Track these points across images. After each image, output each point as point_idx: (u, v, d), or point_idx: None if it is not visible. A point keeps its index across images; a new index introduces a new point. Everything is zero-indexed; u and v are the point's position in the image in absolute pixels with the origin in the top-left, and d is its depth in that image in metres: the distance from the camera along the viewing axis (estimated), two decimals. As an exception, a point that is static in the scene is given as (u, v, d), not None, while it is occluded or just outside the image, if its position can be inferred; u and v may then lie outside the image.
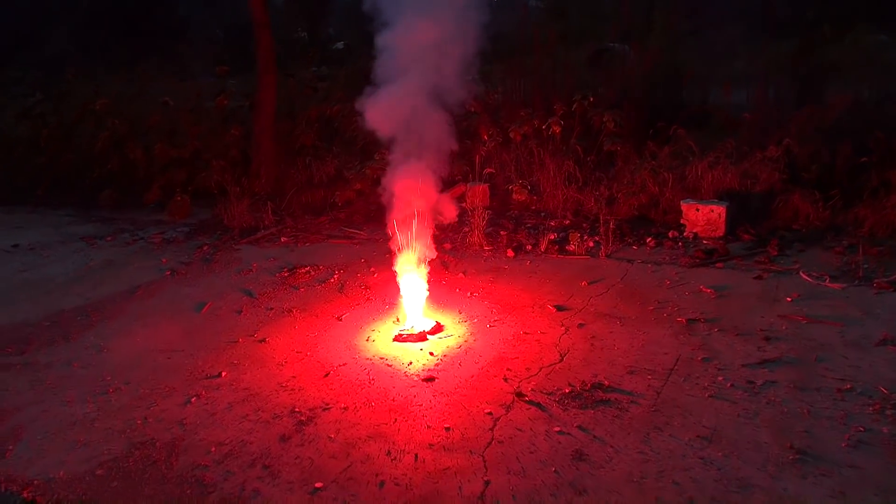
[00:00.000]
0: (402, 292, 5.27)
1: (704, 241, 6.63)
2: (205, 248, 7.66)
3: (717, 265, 5.99)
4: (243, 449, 3.73)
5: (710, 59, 10.80)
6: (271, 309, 5.76)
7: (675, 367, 4.27)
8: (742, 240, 6.57)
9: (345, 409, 4.07)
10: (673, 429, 3.63)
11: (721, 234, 6.65)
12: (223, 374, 4.62)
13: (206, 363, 4.81)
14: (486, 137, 7.62)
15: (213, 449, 3.75)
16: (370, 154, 8.79)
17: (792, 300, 5.13)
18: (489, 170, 7.66)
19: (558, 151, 8.03)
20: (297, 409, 4.09)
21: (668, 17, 11.50)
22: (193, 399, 4.30)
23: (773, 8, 10.58)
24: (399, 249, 5.25)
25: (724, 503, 3.06)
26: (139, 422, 4.08)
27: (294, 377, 4.51)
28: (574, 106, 8.09)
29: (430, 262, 5.31)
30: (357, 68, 13.25)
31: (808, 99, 8.14)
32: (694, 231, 6.77)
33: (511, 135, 7.89)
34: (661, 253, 6.48)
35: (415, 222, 5.22)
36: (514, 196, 7.73)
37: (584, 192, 7.86)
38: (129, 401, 4.34)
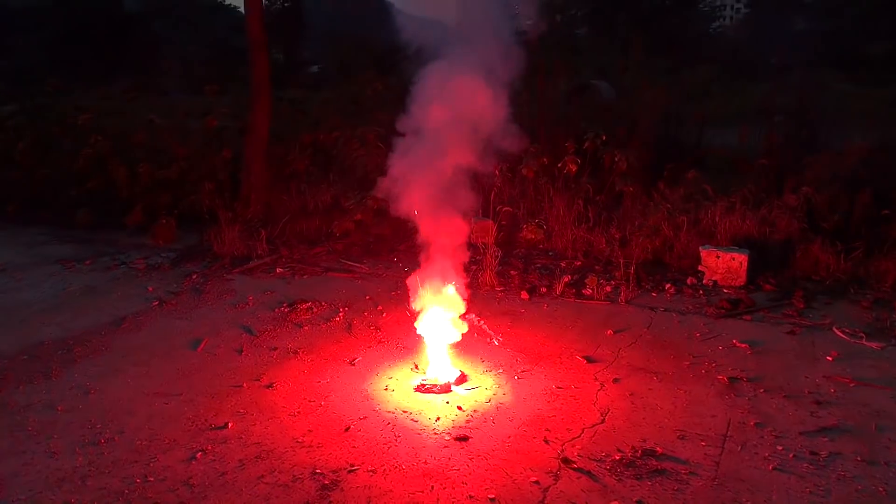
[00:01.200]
0: (424, 340, 4.89)
1: (725, 290, 6.40)
2: (194, 276, 7.19)
3: (745, 317, 5.75)
4: (263, 519, 3.30)
5: (687, 99, 10.79)
6: (275, 349, 5.31)
7: (729, 433, 3.96)
8: (763, 290, 6.36)
9: (372, 471, 3.66)
10: (743, 507, 3.31)
11: (742, 283, 6.44)
12: (230, 424, 4.16)
13: (208, 411, 4.35)
14: (497, 173, 7.34)
15: (228, 518, 3.31)
16: (370, 184, 8.42)
17: (833, 359, 4.89)
18: (507, 208, 7.36)
19: (568, 190, 7.79)
20: (318, 471, 3.66)
21: (644, 55, 11.50)
22: (199, 454, 3.84)
23: (745, 52, 10.65)
24: (419, 292, 4.88)
25: None
26: (138, 480, 3.61)
27: (310, 431, 4.08)
28: (586, 144, 7.88)
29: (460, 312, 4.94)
30: (346, 92, 13.01)
31: (817, 145, 8.07)
32: (713, 279, 6.54)
33: (524, 171, 7.62)
34: (683, 301, 6.23)
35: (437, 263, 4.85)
36: (526, 235, 7.44)
37: (593, 233, 7.60)
38: (125, 454, 3.86)
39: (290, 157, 9.60)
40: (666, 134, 9.42)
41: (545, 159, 7.86)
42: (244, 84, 10.38)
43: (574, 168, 7.57)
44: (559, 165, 7.61)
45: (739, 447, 3.81)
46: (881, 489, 3.42)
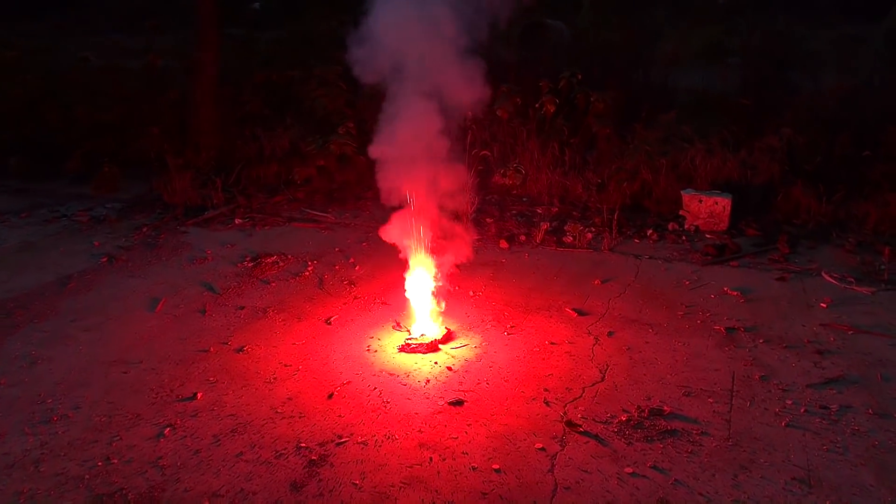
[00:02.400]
0: (407, 296, 4.55)
1: (707, 235, 6.22)
2: (144, 229, 6.63)
3: (732, 263, 5.58)
4: (246, 502, 2.97)
5: (641, 41, 10.46)
6: (242, 308, 4.90)
7: (735, 388, 3.78)
8: (746, 234, 6.20)
9: (363, 443, 3.35)
10: (761, 468, 3.13)
11: (724, 228, 6.27)
12: (199, 395, 3.78)
13: (173, 380, 3.95)
14: (469, 115, 6.90)
15: (207, 503, 2.96)
16: (331, 127, 7.90)
17: (827, 306, 4.77)
18: (484, 152, 6.95)
19: (542, 132, 7.43)
20: (303, 444, 3.34)
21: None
22: (167, 430, 3.46)
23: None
24: (404, 246, 4.51)
25: (860, 570, 2.58)
26: (100, 463, 3.22)
27: (290, 399, 3.74)
28: (561, 84, 7.48)
29: (438, 260, 4.60)
30: (296, 31, 12.21)
31: (791, 86, 7.88)
32: (695, 224, 6.35)
33: (498, 113, 7.20)
34: (666, 247, 6.02)
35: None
36: (503, 180, 7.09)
37: (569, 177, 7.30)
38: (83, 433, 3.45)
39: (242, 98, 8.92)
40: (636, 75, 9.09)
41: (518, 99, 7.45)
42: (188, 19, 9.55)
43: (552, 109, 7.19)
44: (536, 106, 7.23)
45: (748, 403, 3.64)
46: (898, 443, 3.29)
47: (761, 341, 4.30)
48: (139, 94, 9.15)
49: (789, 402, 3.64)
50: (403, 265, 5.46)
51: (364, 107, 8.36)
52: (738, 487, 3.01)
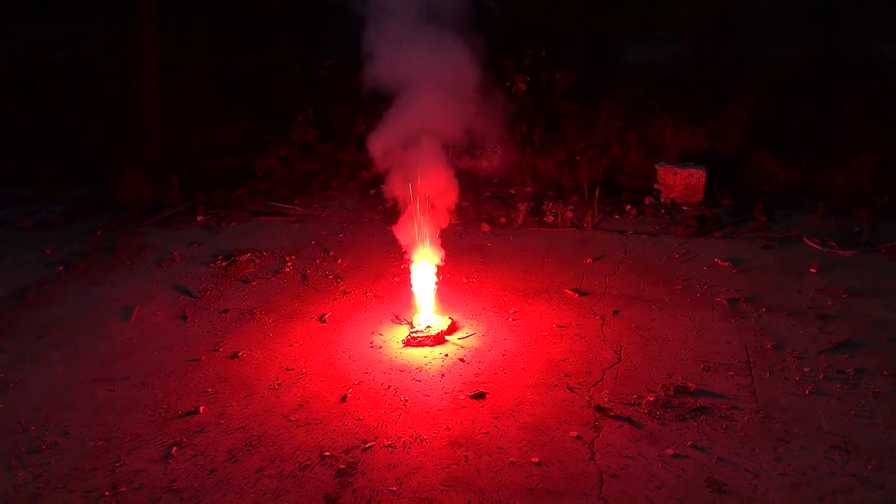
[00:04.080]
0: (412, 288, 4.36)
1: (684, 208, 6.25)
2: (99, 232, 6.18)
3: (715, 235, 5.62)
4: (280, 522, 2.76)
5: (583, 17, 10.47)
6: (226, 311, 4.61)
7: (751, 360, 3.77)
8: (721, 205, 6.25)
9: (391, 446, 3.18)
10: (798, 438, 3.13)
11: (700, 200, 6.30)
12: (201, 408, 3.52)
13: (168, 394, 3.67)
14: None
15: (237, 526, 2.74)
16: (289, 115, 7.56)
17: (817, 271, 4.84)
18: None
19: (509, 111, 7.29)
20: (327, 453, 3.14)
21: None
22: (174, 450, 3.20)
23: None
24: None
25: (919, 534, 2.59)
26: (107, 493, 2.95)
27: (301, 406, 3.52)
28: (526, 61, 7.36)
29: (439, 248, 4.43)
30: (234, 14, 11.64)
31: (749, 57, 7.99)
32: (671, 196, 6.37)
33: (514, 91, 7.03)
34: (647, 222, 6.01)
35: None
36: (473, 162, 6.92)
37: (539, 157, 7.21)
38: (79, 461, 3.15)
39: (187, 88, 8.43)
40: (595, 50, 9.04)
41: (527, 77, 7.29)
42: (119, 5, 8.94)
43: (523, 87, 7.07)
44: (507, 84, 7.09)
45: (768, 373, 3.64)
46: (920, 403, 3.35)
47: (764, 310, 4.33)
48: (73, 87, 8.53)
49: (807, 369, 3.66)
50: (388, 257, 5.32)
51: (321, 92, 8.07)
52: (780, 460, 2.99)
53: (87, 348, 4.18)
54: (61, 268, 5.41)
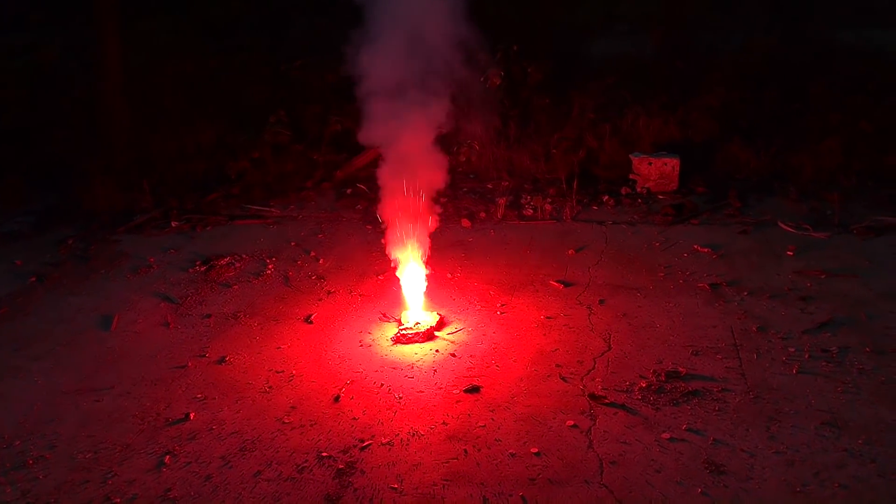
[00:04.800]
0: (402, 285, 4.34)
1: (660, 196, 6.33)
2: (70, 242, 6.03)
3: (692, 222, 5.70)
4: (283, 526, 2.72)
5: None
6: (209, 316, 4.53)
7: (738, 342, 3.84)
8: (696, 193, 6.35)
9: (389, 444, 3.16)
10: (789, 417, 3.18)
11: (675, 188, 6.40)
12: (191, 415, 3.45)
13: (156, 402, 3.59)
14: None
15: (238, 532, 2.70)
16: (260, 117, 7.47)
17: (793, 254, 4.94)
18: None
19: (484, 105, 7.30)
20: (325, 454, 3.11)
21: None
22: (167, 458, 3.14)
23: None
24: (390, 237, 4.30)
25: (913, 504, 2.66)
26: (101, 507, 2.87)
27: (294, 408, 3.47)
28: (498, 55, 7.37)
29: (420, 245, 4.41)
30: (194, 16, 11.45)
31: (714, 46, 8.12)
32: (646, 186, 6.44)
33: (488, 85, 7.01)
34: (625, 211, 6.08)
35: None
36: (459, 158, 6.92)
37: (513, 150, 7.23)
38: (69, 474, 3.07)
39: (154, 92, 8.28)
40: (563, 44, 9.10)
41: (502, 71, 7.28)
42: (79, 11, 8.73)
43: (498, 81, 7.08)
44: (481, 79, 7.09)
45: (755, 355, 3.70)
46: (903, 378, 3.43)
47: (746, 294, 4.40)
48: (34, 94, 8.31)
49: (792, 349, 3.73)
50: (370, 255, 5.30)
51: (292, 93, 7.99)
52: (774, 439, 3.04)
53: (67, 359, 4.07)
54: (34, 279, 5.27)
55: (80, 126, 7.86)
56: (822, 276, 4.57)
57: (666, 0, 8.64)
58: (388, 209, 4.37)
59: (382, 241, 4.50)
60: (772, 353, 3.72)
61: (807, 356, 3.66)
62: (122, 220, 6.47)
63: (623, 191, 6.47)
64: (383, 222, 4.33)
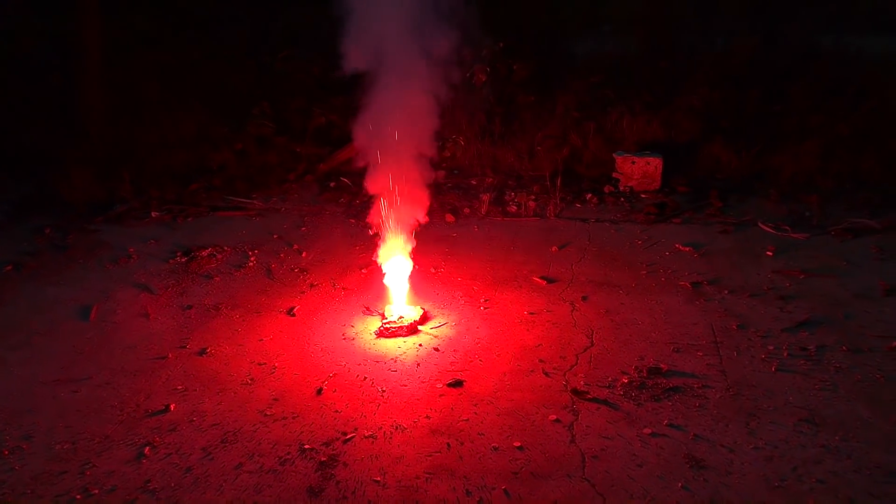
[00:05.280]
0: (386, 279, 4.33)
1: (643, 195, 6.38)
2: (47, 231, 5.93)
3: (674, 221, 5.75)
4: (264, 518, 2.71)
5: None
6: (189, 307, 4.49)
7: (718, 340, 3.88)
8: (678, 192, 6.41)
9: (372, 437, 3.15)
10: (768, 413, 3.22)
11: (657, 187, 6.45)
12: (172, 406, 3.42)
13: (136, 393, 3.55)
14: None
15: (219, 524, 2.68)
16: (242, 108, 7.41)
17: (773, 254, 5.00)
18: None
19: (469, 102, 7.31)
20: (307, 446, 3.09)
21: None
22: (147, 450, 3.10)
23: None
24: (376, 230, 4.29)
25: (888, 497, 2.70)
26: (79, 497, 2.84)
27: (276, 400, 3.45)
28: (483, 52, 7.38)
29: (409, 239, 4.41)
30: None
31: (698, 47, 8.20)
32: (629, 185, 6.49)
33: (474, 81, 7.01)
34: (608, 210, 6.11)
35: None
36: (444, 153, 6.92)
37: (498, 147, 7.25)
38: (46, 464, 3.03)
39: (135, 81, 8.16)
40: (548, 43, 9.13)
41: (488, 67, 7.28)
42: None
43: (483, 78, 7.09)
44: (467, 75, 7.09)
45: (735, 352, 3.75)
46: (878, 376, 3.49)
47: (726, 292, 4.45)
48: (6, 82, 8.15)
49: (771, 347, 3.78)
50: (353, 249, 5.29)
51: (276, 85, 7.93)
52: (753, 434, 3.08)
53: (45, 349, 4.01)
54: (10, 268, 5.18)
55: (56, 114, 7.73)
56: (801, 276, 4.63)
57: (650, 1, 8.68)
58: (373, 203, 4.36)
59: (368, 233, 4.49)
60: (751, 350, 3.76)
61: (785, 354, 3.71)
62: (100, 209, 6.39)
63: (606, 189, 6.51)
64: (368, 222, 4.31)
